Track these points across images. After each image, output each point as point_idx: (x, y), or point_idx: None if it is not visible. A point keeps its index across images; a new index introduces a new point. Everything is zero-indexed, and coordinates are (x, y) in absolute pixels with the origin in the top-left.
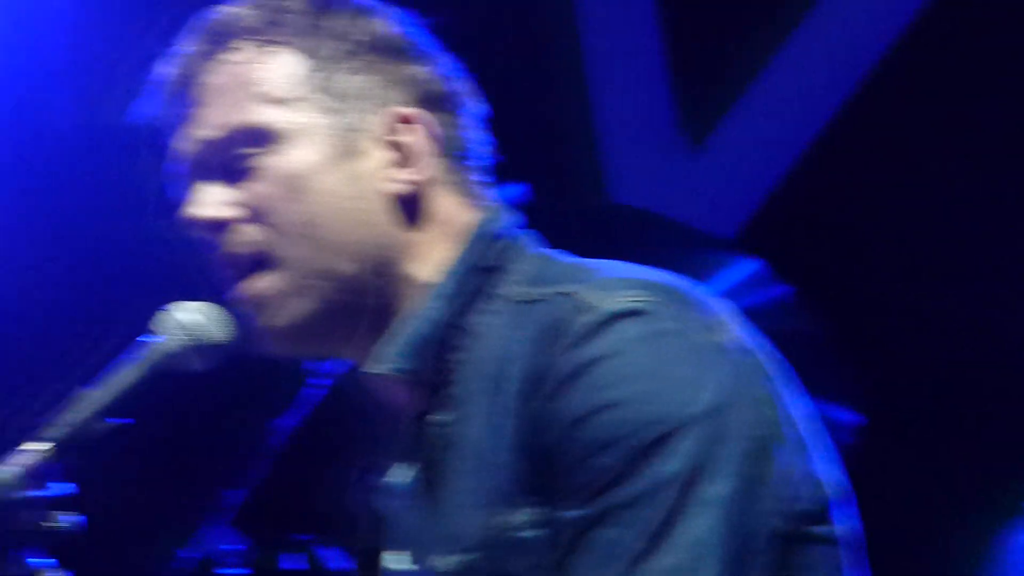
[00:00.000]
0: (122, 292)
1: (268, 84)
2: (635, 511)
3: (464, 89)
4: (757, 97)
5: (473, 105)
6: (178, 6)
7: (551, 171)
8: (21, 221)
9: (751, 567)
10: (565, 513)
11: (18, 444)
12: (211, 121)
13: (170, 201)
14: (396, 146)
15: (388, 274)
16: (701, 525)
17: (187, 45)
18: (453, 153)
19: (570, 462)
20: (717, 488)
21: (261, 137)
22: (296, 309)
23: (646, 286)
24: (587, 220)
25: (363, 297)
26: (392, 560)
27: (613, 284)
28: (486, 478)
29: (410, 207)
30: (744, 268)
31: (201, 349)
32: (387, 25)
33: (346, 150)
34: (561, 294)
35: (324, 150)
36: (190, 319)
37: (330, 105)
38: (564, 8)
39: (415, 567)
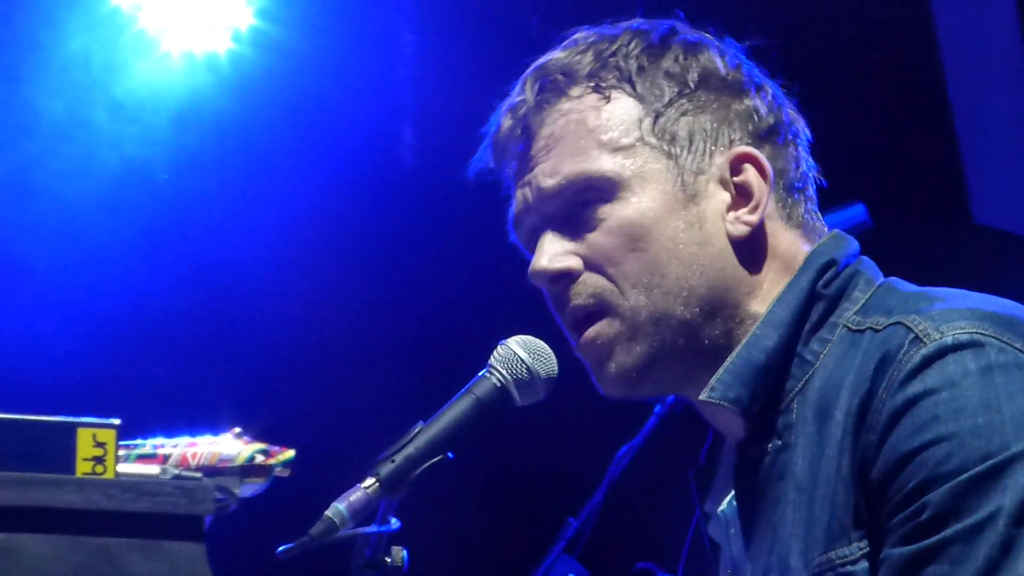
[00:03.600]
0: (464, 327)
1: (607, 131)
2: (966, 548)
3: (794, 117)
4: None
5: (804, 132)
6: (512, 52)
7: (913, 193)
8: (362, 259)
9: None
10: (895, 549)
11: (352, 481)
12: (554, 171)
13: (510, 243)
14: (737, 186)
15: (729, 314)
16: None
17: (523, 93)
18: (790, 185)
19: (900, 498)
20: None
21: (603, 186)
22: (635, 355)
23: (985, 317)
24: (945, 243)
25: (702, 338)
26: None
27: (950, 315)
28: (814, 510)
29: (752, 246)
30: None
31: (524, 384)
32: (717, 60)
33: (687, 195)
34: (895, 324)
35: (665, 197)
36: (517, 355)
37: (669, 149)
38: (926, 29)
39: None
